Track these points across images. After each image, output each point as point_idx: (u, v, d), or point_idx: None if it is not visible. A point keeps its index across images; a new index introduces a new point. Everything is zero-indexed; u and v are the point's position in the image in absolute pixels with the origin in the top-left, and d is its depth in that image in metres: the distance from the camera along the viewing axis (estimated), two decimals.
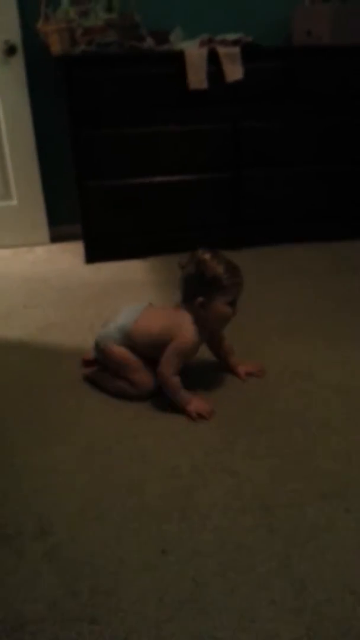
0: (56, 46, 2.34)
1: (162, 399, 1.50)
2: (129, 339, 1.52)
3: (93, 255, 2.63)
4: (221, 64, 2.38)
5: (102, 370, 1.61)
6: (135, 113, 2.45)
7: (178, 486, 1.22)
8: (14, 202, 2.78)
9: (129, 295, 2.20)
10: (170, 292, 2.22)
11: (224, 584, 0.99)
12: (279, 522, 1.11)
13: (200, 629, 0.91)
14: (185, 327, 1.47)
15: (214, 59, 2.38)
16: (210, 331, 1.54)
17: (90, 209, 2.55)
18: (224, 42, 2.45)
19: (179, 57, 2.36)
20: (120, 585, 0.99)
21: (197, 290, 1.45)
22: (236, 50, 2.38)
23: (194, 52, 2.36)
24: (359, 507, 1.15)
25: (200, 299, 1.44)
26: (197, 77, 2.36)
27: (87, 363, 1.68)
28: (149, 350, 1.51)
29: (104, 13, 2.42)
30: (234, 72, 2.39)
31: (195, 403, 1.46)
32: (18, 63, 2.54)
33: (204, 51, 2.36)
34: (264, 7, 2.76)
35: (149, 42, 2.48)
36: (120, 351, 1.52)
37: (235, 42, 2.45)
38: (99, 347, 1.57)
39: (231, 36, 2.48)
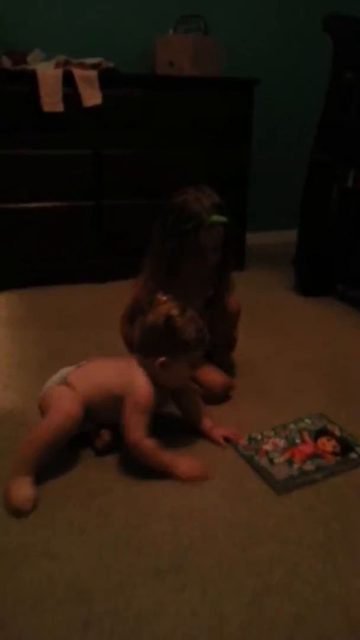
0: None
1: None
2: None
3: None
4: (77, 87, 2.25)
5: None
6: None
7: None
8: None
9: None
10: (27, 328, 2.00)
11: None
12: (98, 613, 0.93)
13: None
14: (138, 382, 1.25)
15: (71, 82, 2.25)
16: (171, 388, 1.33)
17: None
18: (82, 65, 2.33)
19: (32, 77, 2.19)
20: None
21: (158, 347, 1.24)
22: (93, 73, 2.26)
23: (47, 72, 2.21)
24: (195, 580, 0.99)
25: (162, 359, 1.24)
26: (50, 99, 2.20)
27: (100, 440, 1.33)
28: (103, 406, 1.27)
29: None
30: (91, 96, 2.27)
31: (184, 465, 1.23)
32: None
33: (59, 72, 2.22)
34: (128, 34, 2.70)
35: (5, 62, 2.31)
36: (58, 387, 1.29)
37: (93, 66, 2.33)
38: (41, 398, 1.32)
39: (90, 60, 2.37)
